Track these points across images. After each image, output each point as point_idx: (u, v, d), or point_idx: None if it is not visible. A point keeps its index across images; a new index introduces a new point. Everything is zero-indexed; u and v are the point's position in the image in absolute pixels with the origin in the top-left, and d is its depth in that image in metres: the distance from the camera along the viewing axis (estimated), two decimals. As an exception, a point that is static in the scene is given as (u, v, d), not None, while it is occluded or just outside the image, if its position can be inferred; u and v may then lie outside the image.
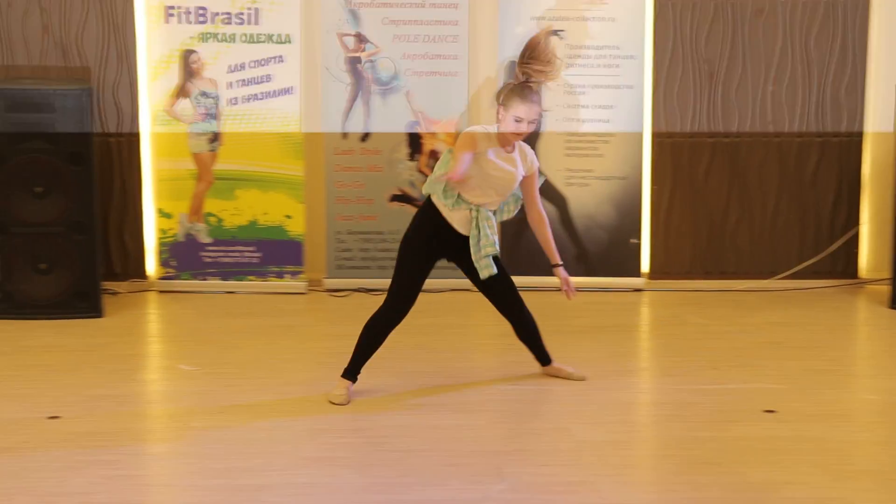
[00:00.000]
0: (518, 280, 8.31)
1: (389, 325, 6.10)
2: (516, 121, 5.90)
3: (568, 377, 6.43)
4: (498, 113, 5.99)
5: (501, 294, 6.31)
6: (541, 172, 6.27)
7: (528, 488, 4.95)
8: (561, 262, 6.27)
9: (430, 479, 5.03)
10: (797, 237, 8.66)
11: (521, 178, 6.09)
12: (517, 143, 6.07)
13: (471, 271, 6.18)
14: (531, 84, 5.97)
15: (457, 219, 6.05)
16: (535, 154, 6.19)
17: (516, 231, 8.45)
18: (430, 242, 6.09)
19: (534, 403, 6.05)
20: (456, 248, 6.13)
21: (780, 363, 6.76)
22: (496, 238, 6.07)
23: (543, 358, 6.50)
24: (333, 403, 5.99)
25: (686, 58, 8.47)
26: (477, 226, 6.02)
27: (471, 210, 6.03)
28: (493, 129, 6.03)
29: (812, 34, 8.46)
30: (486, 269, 6.06)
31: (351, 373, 6.09)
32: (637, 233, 8.50)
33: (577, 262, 8.47)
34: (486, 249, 6.02)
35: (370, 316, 6.10)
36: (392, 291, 6.09)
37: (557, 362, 6.50)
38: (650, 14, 8.41)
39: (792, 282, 8.60)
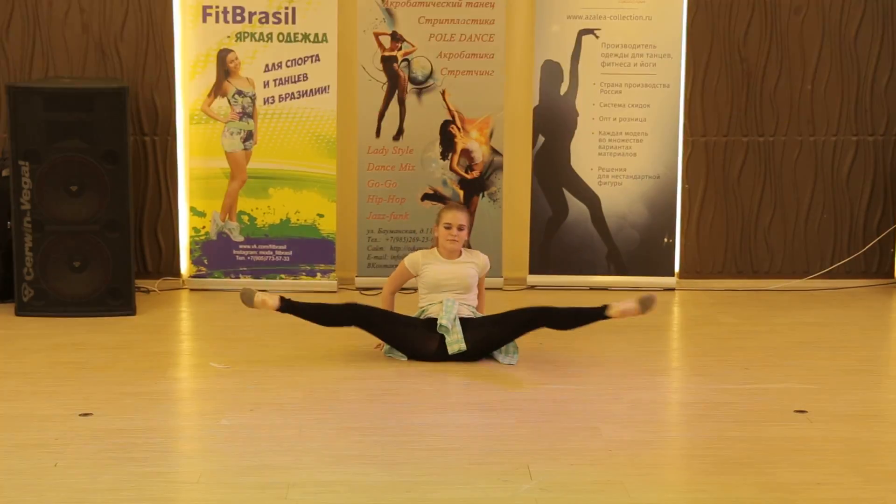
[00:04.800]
0: (551, 279, 8.43)
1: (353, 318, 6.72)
2: (446, 227, 6.71)
3: (636, 311, 6.50)
4: (434, 234, 6.84)
5: (516, 322, 6.63)
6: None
7: (557, 487, 4.93)
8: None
9: (459, 478, 5.03)
10: (831, 237, 8.62)
11: (475, 276, 6.77)
12: (465, 251, 6.82)
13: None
14: (458, 202, 6.97)
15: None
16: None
17: (547, 231, 8.45)
18: None
19: (563, 403, 6.04)
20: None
21: (812, 363, 6.73)
22: (460, 335, 6.53)
23: (599, 312, 6.54)
24: (242, 300, 6.53)
25: (723, 57, 8.44)
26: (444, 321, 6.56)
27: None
28: (432, 251, 6.85)
29: (851, 32, 8.41)
30: (456, 344, 6.54)
31: (286, 304, 6.57)
32: (670, 232, 8.48)
33: (609, 262, 8.46)
34: (451, 347, 6.52)
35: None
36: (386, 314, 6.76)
37: (615, 304, 6.53)
38: (686, 13, 8.39)
39: (825, 281, 8.56)
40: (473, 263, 6.79)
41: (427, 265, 6.74)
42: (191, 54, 8.29)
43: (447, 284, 6.64)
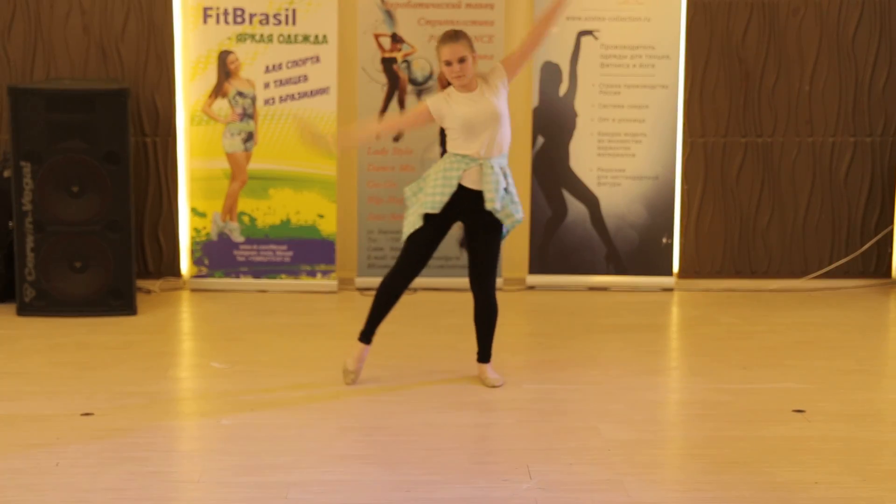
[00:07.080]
0: (550, 280, 8.44)
1: (398, 289, 6.23)
2: (447, 64, 6.05)
3: (487, 382, 6.33)
4: (440, 74, 6.21)
5: (480, 262, 6.27)
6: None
7: (556, 487, 4.96)
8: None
9: (458, 478, 5.05)
10: (829, 237, 8.63)
11: (500, 101, 6.13)
12: (479, 80, 6.14)
13: (471, 230, 6.25)
14: (452, 30, 6.13)
15: (467, 178, 6.11)
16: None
17: (546, 232, 8.47)
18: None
19: (562, 402, 6.06)
20: (464, 207, 6.16)
21: (810, 363, 6.75)
22: (503, 194, 6.12)
23: (483, 354, 6.41)
24: (347, 370, 6.28)
25: (721, 58, 8.45)
26: (491, 180, 6.06)
27: (479, 164, 6.09)
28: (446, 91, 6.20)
29: (849, 33, 8.43)
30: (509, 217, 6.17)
31: (365, 335, 6.29)
32: (668, 232, 8.50)
33: (608, 262, 8.48)
34: (506, 210, 6.13)
35: (384, 277, 6.27)
36: (400, 256, 6.25)
37: (489, 367, 6.41)
38: (685, 14, 8.40)
39: (823, 282, 8.58)
40: (493, 88, 6.13)
41: (450, 107, 6.09)
42: (191, 55, 8.31)
43: (478, 121, 6.05)
